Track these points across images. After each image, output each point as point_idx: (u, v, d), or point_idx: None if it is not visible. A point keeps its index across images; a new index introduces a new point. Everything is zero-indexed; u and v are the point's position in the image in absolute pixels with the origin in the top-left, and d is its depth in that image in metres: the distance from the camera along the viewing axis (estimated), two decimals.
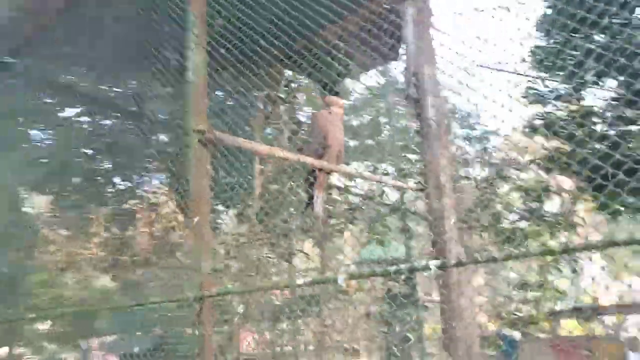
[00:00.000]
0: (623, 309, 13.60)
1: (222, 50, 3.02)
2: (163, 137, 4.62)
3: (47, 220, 5.64)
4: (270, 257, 4.12)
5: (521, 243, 8.89)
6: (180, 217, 3.81)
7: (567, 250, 1.74)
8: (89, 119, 5.33)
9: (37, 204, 6.19)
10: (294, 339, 5.15)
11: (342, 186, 5.57)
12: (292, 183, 3.93)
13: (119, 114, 5.04)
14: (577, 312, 13.10)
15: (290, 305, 4.46)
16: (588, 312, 13.43)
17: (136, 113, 4.65)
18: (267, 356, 4.51)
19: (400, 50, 5.87)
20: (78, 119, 5.40)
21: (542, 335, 12.36)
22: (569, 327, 15.58)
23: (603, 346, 11.33)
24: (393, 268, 2.09)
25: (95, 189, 5.06)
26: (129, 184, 4.72)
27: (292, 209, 3.94)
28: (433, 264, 1.63)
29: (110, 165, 5.05)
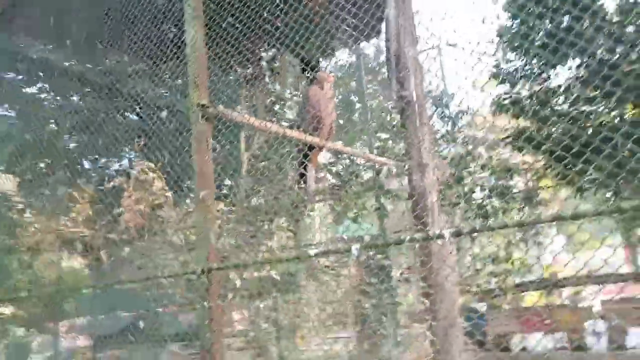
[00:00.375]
0: (580, 281, 14.36)
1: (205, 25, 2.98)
2: (154, 114, 4.52)
3: (19, 200, 5.46)
4: (256, 236, 4.15)
5: (491, 218, 9.21)
6: (169, 194, 3.78)
7: (557, 218, 1.85)
8: (62, 96, 5.14)
9: (6, 185, 5.98)
10: (278, 314, 5.24)
11: (327, 163, 5.62)
12: (281, 159, 3.94)
13: (95, 91, 4.87)
14: (539, 284, 13.77)
15: (276, 282, 4.53)
16: (549, 285, 14.14)
17: (117, 90, 4.53)
18: (255, 331, 4.58)
19: (381, 28, 5.91)
20: (51, 96, 5.20)
21: (507, 307, 12.95)
22: (532, 299, 16.37)
23: (563, 315, 11.99)
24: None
25: (74, 168, 4.92)
26: (114, 162, 4.61)
27: (281, 185, 3.96)
28: (448, 232, 1.71)
29: (89, 144, 4.91)
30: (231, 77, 4.19)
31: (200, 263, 2.13)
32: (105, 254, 4.51)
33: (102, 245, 4.28)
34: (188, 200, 3.98)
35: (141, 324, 4.82)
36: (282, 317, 5.46)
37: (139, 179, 3.74)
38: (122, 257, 3.84)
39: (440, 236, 1.82)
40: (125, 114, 4.84)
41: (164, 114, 3.79)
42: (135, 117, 4.70)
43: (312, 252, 2.06)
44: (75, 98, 5.44)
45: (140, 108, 4.33)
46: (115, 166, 4.81)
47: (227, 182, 3.99)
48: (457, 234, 1.99)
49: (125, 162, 4.78)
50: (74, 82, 4.72)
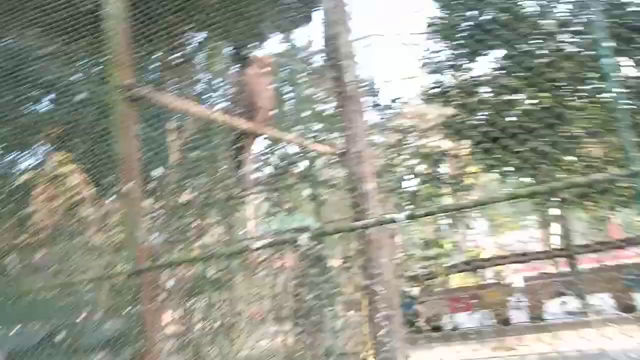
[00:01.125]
0: (501, 259, 15.32)
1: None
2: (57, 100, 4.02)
3: None
4: (188, 231, 3.89)
5: (423, 204, 9.46)
6: (89, 190, 3.40)
7: (490, 201, 1.85)
8: None
9: None
10: (214, 313, 5.02)
11: (263, 152, 5.43)
12: (215, 148, 3.71)
13: None
14: (466, 265, 14.52)
15: (210, 280, 4.30)
16: (474, 265, 14.96)
17: (21, 75, 4.00)
18: (190, 332, 4.34)
19: (312, 16, 5.80)
20: None
21: (437, 289, 13.52)
22: (459, 279, 17.24)
23: (488, 293, 12.72)
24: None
25: None
26: (23, 156, 4.07)
27: (215, 176, 3.73)
28: (403, 215, 1.63)
29: None
30: (157, 61, 3.85)
31: (128, 264, 1.90)
32: (12, 260, 4.03)
33: (7, 250, 3.80)
34: (112, 196, 3.64)
35: (60, 335, 4.40)
36: (219, 316, 5.24)
37: (53, 173, 3.34)
38: (33, 264, 3.42)
39: (392, 220, 1.75)
40: (34, 101, 4.32)
41: (80, 97, 3.39)
42: (45, 106, 4.18)
43: (255, 244, 1.90)
44: None
45: (52, 94, 3.87)
46: (25, 161, 4.29)
47: (154, 173, 3.67)
48: (411, 217, 1.93)
49: (36, 155, 4.28)
50: None
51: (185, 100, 2.36)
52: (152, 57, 3.70)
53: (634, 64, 9.78)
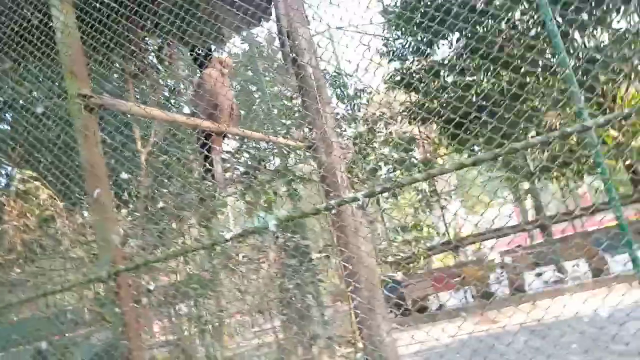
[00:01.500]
0: (478, 237, 15.70)
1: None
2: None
3: None
4: (164, 236, 3.90)
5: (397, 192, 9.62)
6: (59, 202, 3.38)
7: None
8: None
9: None
10: (200, 315, 5.04)
11: (233, 151, 5.44)
12: (182, 152, 3.72)
13: None
14: (445, 246, 14.83)
15: (189, 283, 4.33)
16: (453, 245, 15.28)
17: None
18: (178, 336, 4.36)
19: (271, 12, 5.82)
20: None
21: (420, 271, 13.78)
22: (440, 260, 17.59)
23: (469, 270, 13.03)
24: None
25: None
26: None
27: (185, 180, 3.74)
28: (361, 194, 1.71)
29: None
30: (114, 72, 3.83)
31: (104, 267, 1.93)
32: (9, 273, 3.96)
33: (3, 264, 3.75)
34: (84, 207, 3.61)
35: (46, 354, 4.36)
36: (205, 317, 5.26)
37: (20, 190, 3.30)
38: (9, 281, 3.38)
39: (355, 199, 1.83)
40: None
41: (38, 110, 3.34)
42: (3, 125, 4.11)
43: (227, 235, 1.95)
44: None
45: (10, 112, 3.81)
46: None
47: (124, 184, 3.67)
48: (370, 194, 2.02)
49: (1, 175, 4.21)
50: None
51: (146, 107, 2.39)
52: (111, 65, 3.70)
53: (583, 33, 10.15)
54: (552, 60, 9.84)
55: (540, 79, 10.91)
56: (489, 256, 15.46)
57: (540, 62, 10.26)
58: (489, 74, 11.85)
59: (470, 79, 12.17)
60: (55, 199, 3.36)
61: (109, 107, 2.15)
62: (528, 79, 10.57)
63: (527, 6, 10.59)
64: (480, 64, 11.43)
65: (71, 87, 2.06)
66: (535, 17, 10.34)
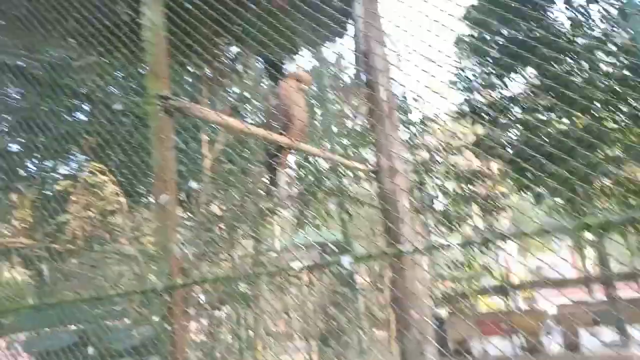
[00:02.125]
0: (534, 285, 14.79)
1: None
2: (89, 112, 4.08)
3: None
4: (221, 245, 3.85)
5: (453, 223, 9.24)
6: (123, 199, 3.41)
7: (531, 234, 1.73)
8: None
9: None
10: (239, 326, 4.94)
11: (297, 167, 5.37)
12: (245, 162, 3.66)
13: (35, 87, 4.34)
14: (496, 289, 14.06)
15: (237, 293, 4.24)
16: (504, 289, 14.47)
17: (62, 86, 4.07)
18: (215, 343, 4.28)
19: (348, 28, 5.75)
20: None
21: (465, 312, 13.10)
22: (488, 303, 16.70)
23: (519, 319, 12.24)
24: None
25: (12, 169, 4.40)
26: (60, 164, 4.13)
27: (246, 190, 3.68)
28: (456, 242, 1.51)
29: (32, 144, 4.39)
30: (194, 73, 3.86)
31: (161, 279, 1.83)
32: (48, 266, 4.06)
33: (43, 256, 3.84)
34: (145, 207, 3.64)
35: (89, 339, 4.40)
36: (244, 329, 5.16)
37: (88, 182, 3.35)
38: (67, 270, 3.43)
39: (448, 245, 1.62)
40: (73, 111, 4.39)
41: (117, 107, 3.41)
42: (82, 115, 4.25)
43: (294, 265, 1.80)
44: (13, 94, 4.90)
45: (89, 104, 3.93)
46: (62, 169, 4.34)
47: (187, 186, 3.65)
48: (467, 244, 1.78)
49: (72, 164, 4.34)
50: (9, 76, 4.17)
51: (220, 114, 2.32)
52: (189, 69, 3.71)
53: None
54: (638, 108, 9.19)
55: (622, 126, 10.21)
56: (542, 306, 14.53)
57: (624, 109, 9.61)
58: (564, 112, 11.24)
59: (543, 116, 11.62)
60: (119, 195, 3.38)
61: (186, 112, 2.08)
62: (608, 124, 9.92)
63: (615, 48, 9.98)
64: (556, 102, 10.87)
65: (151, 87, 2.01)
66: (626, 61, 9.70)
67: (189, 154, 3.54)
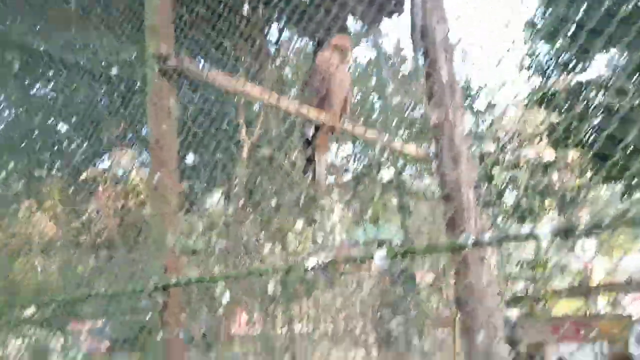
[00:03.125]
0: (615, 287, 13.43)
1: None
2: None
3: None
4: (259, 239, 3.55)
5: (527, 218, 8.46)
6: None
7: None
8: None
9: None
10: (288, 322, 4.64)
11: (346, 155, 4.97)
12: (286, 145, 3.32)
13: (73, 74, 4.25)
14: (574, 290, 12.88)
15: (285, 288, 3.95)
16: (585, 291, 13.23)
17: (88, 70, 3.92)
18: (262, 337, 4.02)
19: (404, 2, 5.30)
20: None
21: (539, 314, 12.12)
22: (563, 306, 15.41)
23: (601, 324, 11.10)
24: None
25: (42, 156, 4.36)
26: (89, 149, 4.01)
27: (287, 179, 3.34)
28: (547, 230, 1.07)
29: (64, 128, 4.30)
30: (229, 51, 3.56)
31: (154, 276, 1.52)
32: (94, 257, 3.97)
33: (90, 248, 3.74)
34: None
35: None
36: (296, 328, 4.86)
37: (119, 174, 3.18)
38: (97, 267, 3.30)
39: (532, 236, 1.18)
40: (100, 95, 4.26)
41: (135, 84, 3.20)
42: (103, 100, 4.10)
43: (308, 263, 1.43)
44: (52, 83, 4.90)
45: (107, 84, 3.77)
46: (95, 156, 4.25)
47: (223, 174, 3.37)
48: (562, 231, 1.31)
49: (103, 152, 4.23)
50: (48, 64, 4.11)
51: (237, 79, 1.97)
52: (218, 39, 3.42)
53: None
54: None
55: None
56: (628, 310, 13.15)
57: None
58: None
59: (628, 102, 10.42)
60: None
61: (188, 74, 1.75)
62: None
63: None
64: None
65: (150, 46, 1.69)
66: None
67: (224, 132, 3.25)
